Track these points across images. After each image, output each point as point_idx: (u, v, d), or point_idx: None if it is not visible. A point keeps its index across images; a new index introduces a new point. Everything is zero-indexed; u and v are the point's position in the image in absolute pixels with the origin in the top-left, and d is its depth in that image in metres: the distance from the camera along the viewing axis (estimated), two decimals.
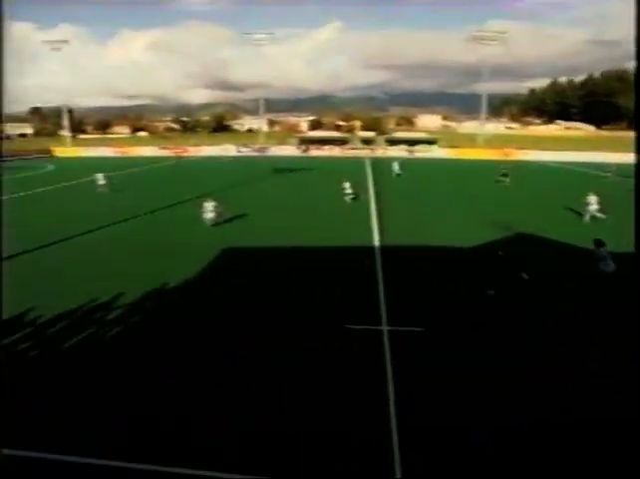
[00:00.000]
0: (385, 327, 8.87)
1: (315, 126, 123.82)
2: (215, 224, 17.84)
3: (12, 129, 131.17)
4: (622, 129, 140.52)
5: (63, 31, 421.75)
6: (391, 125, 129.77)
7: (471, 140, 70.84)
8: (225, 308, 9.91)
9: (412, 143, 61.91)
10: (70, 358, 7.94)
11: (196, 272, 12.12)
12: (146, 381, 7.20)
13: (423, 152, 60.17)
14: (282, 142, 67.39)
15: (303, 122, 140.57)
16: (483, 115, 72.57)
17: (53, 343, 8.45)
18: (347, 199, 23.39)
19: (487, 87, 73.32)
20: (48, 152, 64.00)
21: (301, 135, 76.43)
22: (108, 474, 5.46)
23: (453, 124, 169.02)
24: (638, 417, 5.26)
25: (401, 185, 29.96)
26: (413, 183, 31.73)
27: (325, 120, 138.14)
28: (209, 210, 17.93)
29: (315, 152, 61.53)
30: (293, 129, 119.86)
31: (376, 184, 30.67)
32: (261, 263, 13.12)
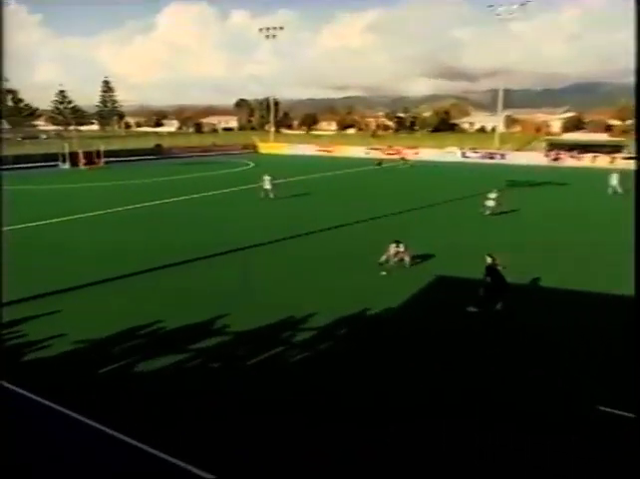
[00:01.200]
0: None
1: (573, 125, 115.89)
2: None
3: (218, 122, 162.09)
4: None
5: (280, 18, 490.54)
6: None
7: None
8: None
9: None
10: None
11: None
12: None
13: None
14: (524, 146, 65.98)
15: (555, 120, 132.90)
16: None
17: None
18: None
19: None
20: (253, 147, 77.42)
21: (551, 137, 73.17)
22: None
23: None
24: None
25: None
26: None
27: (589, 117, 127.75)
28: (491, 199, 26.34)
29: (570, 161, 58.19)
30: (540, 129, 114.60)
31: None
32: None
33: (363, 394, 8.97)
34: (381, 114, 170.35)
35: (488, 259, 12.65)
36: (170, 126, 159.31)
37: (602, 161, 57.53)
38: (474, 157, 64.41)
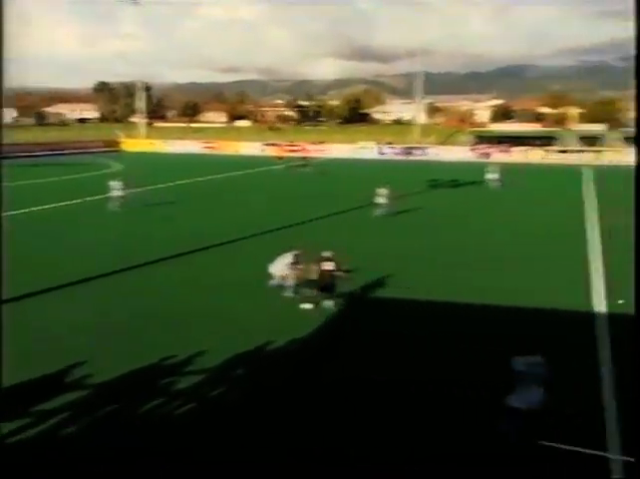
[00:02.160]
0: (618, 457, 8.61)
1: (501, 114, 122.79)
2: None
3: (69, 111, 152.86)
4: None
5: None
6: (632, 112, 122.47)
7: None
8: None
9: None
10: None
11: None
12: None
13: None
14: (448, 139, 68.47)
15: (481, 109, 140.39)
16: None
17: None
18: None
19: None
20: (115, 144, 74.49)
21: (478, 129, 76.66)
22: None
23: None
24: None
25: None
26: None
27: (518, 105, 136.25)
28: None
29: (500, 155, 60.97)
30: (465, 119, 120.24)
31: (603, 212, 29.50)
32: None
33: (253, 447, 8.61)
34: (280, 102, 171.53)
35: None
36: (6, 116, 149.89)
37: (535, 154, 61.01)
38: (390, 153, 65.92)
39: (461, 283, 16.91)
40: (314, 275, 14.48)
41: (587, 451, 8.55)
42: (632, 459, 7.98)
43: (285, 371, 11.43)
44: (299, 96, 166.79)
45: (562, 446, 8.61)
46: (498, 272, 18.28)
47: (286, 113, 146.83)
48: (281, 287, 15.31)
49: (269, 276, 15.56)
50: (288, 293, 15.13)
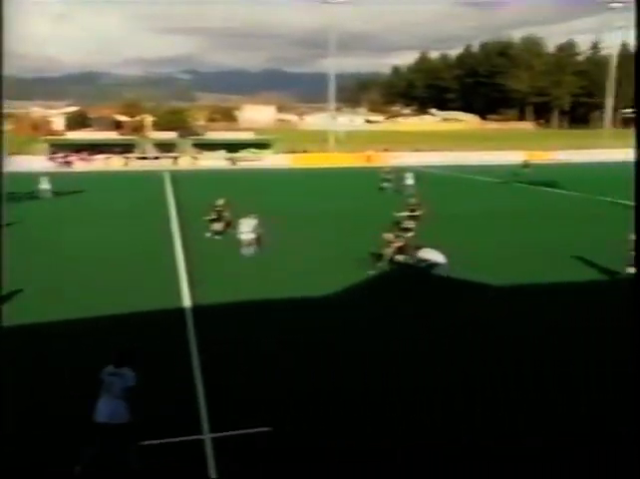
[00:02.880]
0: (208, 435, 9.52)
1: (78, 122, 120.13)
2: None
3: None
4: (512, 119, 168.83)
5: None
6: (201, 121, 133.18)
7: (319, 139, 77.27)
8: None
9: (234, 147, 64.93)
10: None
11: None
12: None
13: (251, 160, 63.54)
14: (23, 148, 63.86)
15: (57, 116, 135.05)
16: (333, 104, 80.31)
17: None
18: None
19: (337, 64, 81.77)
20: None
21: (54, 137, 73.59)
22: None
23: (292, 117, 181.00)
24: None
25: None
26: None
27: (95, 113, 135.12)
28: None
29: (82, 164, 59.87)
30: (39, 127, 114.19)
31: (182, 212, 31.50)
32: None
33: None
34: None
35: None
36: None
37: (117, 162, 61.63)
38: None
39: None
40: None
41: (186, 439, 9.24)
42: (221, 434, 9.25)
43: None
44: None
45: (164, 441, 9.09)
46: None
47: None
48: None
49: None
50: None
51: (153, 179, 49.55)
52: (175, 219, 30.04)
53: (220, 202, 25.39)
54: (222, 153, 63.37)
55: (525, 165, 51.19)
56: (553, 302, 16.05)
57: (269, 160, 63.65)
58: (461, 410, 10.18)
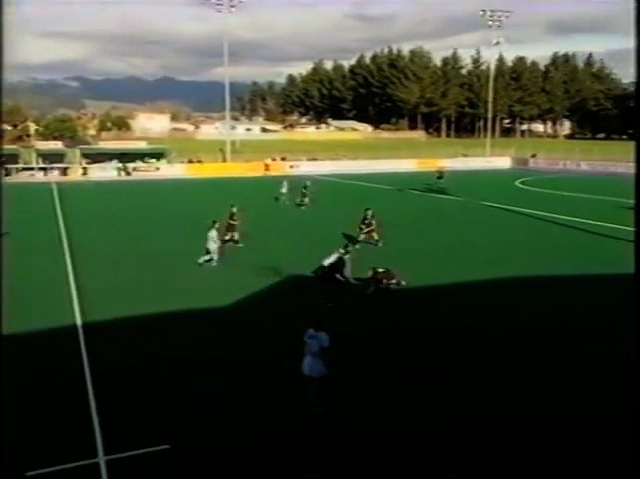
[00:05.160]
0: (102, 458, 9.21)
1: None
2: None
3: None
4: (404, 128, 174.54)
5: None
6: (91, 130, 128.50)
7: (215, 149, 76.50)
8: None
9: (128, 157, 63.02)
10: None
11: None
12: None
13: (146, 170, 61.91)
14: None
15: None
16: (229, 113, 79.86)
17: None
18: None
19: (233, 73, 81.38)
20: None
21: None
22: None
23: (188, 126, 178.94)
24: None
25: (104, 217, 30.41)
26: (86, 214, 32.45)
27: None
28: None
29: None
30: None
31: (70, 229, 30.36)
32: None
33: None
34: None
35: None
36: None
37: None
38: None
39: None
40: None
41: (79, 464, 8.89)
42: (117, 456, 9.01)
43: None
44: None
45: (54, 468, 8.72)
46: None
47: None
48: None
49: None
50: None
51: (38, 191, 47.24)
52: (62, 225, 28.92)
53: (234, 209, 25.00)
54: (115, 163, 61.28)
55: (439, 174, 48.94)
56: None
57: (165, 170, 62.30)
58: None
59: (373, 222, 24.92)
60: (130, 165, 61.24)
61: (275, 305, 16.98)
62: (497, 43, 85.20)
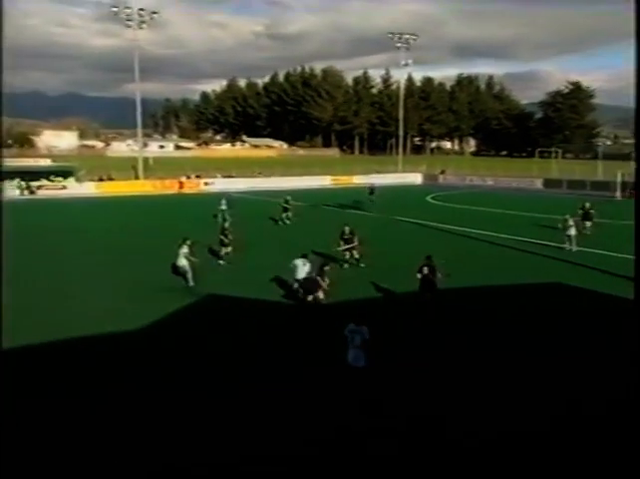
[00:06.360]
0: None
1: None
2: None
3: None
4: (318, 145, 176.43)
5: None
6: None
7: (127, 166, 74.43)
8: None
9: (32, 175, 60.28)
10: None
11: None
12: None
13: (52, 188, 59.48)
14: None
15: None
16: (141, 130, 77.84)
17: None
18: None
19: (143, 89, 79.19)
20: None
21: None
22: None
23: (97, 143, 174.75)
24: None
25: None
26: None
27: None
28: None
29: None
30: None
31: None
32: None
33: None
34: None
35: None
36: None
37: None
38: None
39: None
40: None
41: None
42: None
43: None
44: None
45: None
46: None
47: None
48: None
49: None
50: None
51: None
52: None
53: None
54: (18, 181, 58.29)
55: (371, 190, 47.87)
56: None
57: (73, 188, 60.01)
58: None
59: (355, 239, 23.06)
60: (34, 183, 58.56)
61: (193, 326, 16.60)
62: (406, 64, 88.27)
